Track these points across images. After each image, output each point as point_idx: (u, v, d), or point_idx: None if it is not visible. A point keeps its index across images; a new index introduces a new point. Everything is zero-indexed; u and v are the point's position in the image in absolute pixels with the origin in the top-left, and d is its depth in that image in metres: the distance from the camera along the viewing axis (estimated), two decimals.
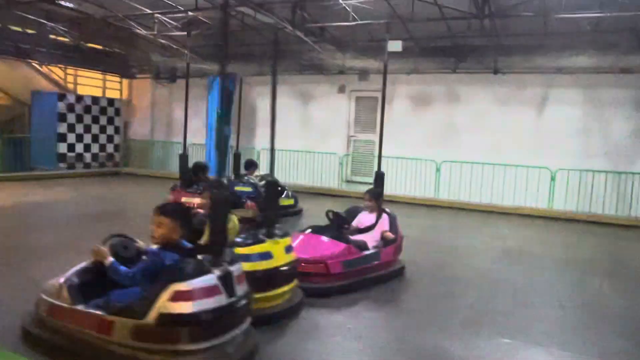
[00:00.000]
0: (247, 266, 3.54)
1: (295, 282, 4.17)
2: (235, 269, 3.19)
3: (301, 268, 4.34)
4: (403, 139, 12.36)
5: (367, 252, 4.93)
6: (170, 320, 2.83)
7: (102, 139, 15.10)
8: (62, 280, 3.27)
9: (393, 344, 3.67)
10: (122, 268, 3.12)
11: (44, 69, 14.72)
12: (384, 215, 5.37)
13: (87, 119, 14.46)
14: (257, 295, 3.59)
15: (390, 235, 5.27)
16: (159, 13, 10.04)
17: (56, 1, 8.96)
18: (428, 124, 12.19)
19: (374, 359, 3.42)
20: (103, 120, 15.04)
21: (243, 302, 3.16)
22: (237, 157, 9.96)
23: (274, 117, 4.57)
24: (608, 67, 10.06)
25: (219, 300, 2.97)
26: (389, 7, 8.92)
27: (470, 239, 7.95)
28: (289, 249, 4.15)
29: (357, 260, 4.77)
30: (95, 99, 14.83)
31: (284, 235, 4.16)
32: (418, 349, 3.61)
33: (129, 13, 10.04)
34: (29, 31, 12.35)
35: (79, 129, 14.26)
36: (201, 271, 2.98)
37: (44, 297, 3.30)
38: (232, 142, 14.33)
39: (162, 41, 11.85)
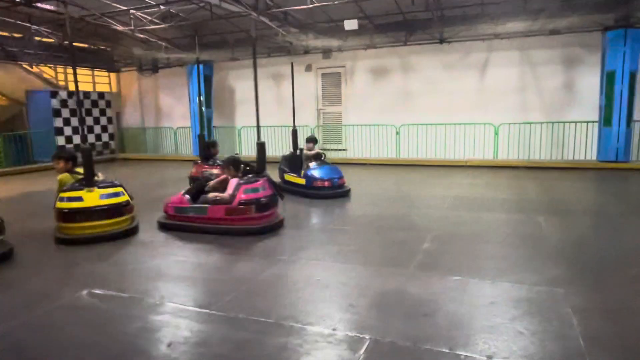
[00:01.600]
0: (59, 204, 5.16)
1: (124, 217, 5.36)
2: None
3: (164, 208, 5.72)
4: (365, 107, 12.26)
5: (194, 205, 5.51)
6: None
7: (97, 129, 14.59)
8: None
9: (357, 290, 3.62)
10: None
11: (35, 69, 14.01)
12: (232, 180, 5.47)
13: (81, 112, 13.89)
14: (72, 224, 5.12)
15: (221, 196, 5.40)
16: (133, 9, 9.50)
17: (33, 4, 8.35)
18: (386, 92, 12.05)
19: (340, 305, 3.36)
20: (96, 112, 14.50)
21: None
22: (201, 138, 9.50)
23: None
24: (538, 30, 9.95)
25: None
26: None
27: (429, 190, 7.96)
28: (107, 196, 5.23)
29: (184, 209, 5.54)
30: (86, 94, 14.23)
31: (108, 186, 5.31)
32: (379, 292, 3.57)
33: (105, 11, 9.48)
34: (15, 35, 11.65)
35: (74, 122, 13.71)
36: None
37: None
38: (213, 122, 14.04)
39: (140, 35, 11.29)
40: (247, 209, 5.28)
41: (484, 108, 11.00)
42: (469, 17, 9.65)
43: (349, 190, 7.57)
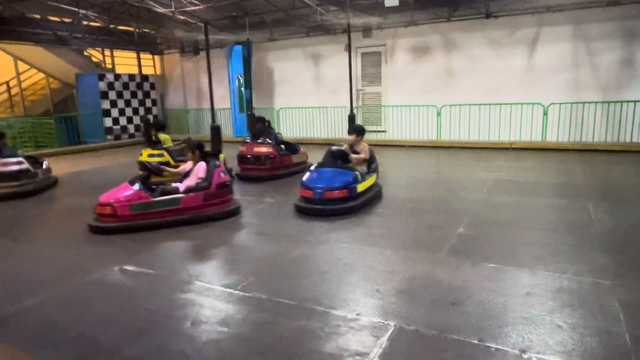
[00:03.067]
0: None
1: None
2: None
3: (98, 210, 4.74)
4: (405, 87, 11.88)
5: (160, 198, 4.85)
6: None
7: (142, 111, 14.98)
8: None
9: (384, 274, 3.48)
10: None
11: (85, 53, 14.53)
12: (200, 164, 5.19)
13: (127, 94, 14.32)
14: None
15: (194, 182, 5.10)
16: None
17: None
18: (428, 71, 11.58)
19: (365, 290, 3.24)
20: (140, 94, 14.86)
21: None
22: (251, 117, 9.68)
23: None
24: (596, 1, 9.16)
25: None
26: None
27: (469, 173, 7.60)
28: None
29: (147, 205, 4.76)
30: (131, 76, 14.61)
31: None
32: (407, 277, 3.42)
33: None
34: (65, 20, 12.08)
35: (121, 104, 14.16)
36: None
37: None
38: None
39: (181, 17, 11.39)
40: (225, 191, 5.18)
41: (532, 87, 10.35)
42: None
43: (348, 209, 5.19)
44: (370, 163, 5.92)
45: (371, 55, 12.47)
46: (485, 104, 10.79)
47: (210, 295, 3.24)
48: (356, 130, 6.05)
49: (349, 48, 11.03)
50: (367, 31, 12.11)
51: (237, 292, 3.27)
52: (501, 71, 10.63)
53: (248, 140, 8.07)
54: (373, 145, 8.53)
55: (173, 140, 8.32)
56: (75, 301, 3.22)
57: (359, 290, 3.24)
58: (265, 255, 4.01)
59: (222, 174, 5.17)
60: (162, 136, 8.00)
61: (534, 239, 4.19)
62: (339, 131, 12.89)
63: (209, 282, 3.45)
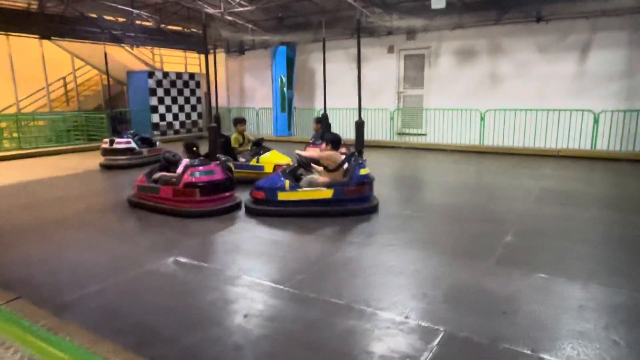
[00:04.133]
0: None
1: None
2: None
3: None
4: (448, 91, 11.71)
5: (149, 184, 5.67)
6: None
7: (187, 108, 15.46)
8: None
9: (431, 279, 3.48)
10: None
11: (135, 51, 15.12)
12: (183, 161, 5.61)
13: (174, 92, 14.81)
14: None
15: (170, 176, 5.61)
16: None
17: None
18: (472, 75, 11.36)
19: (413, 293, 3.25)
20: (187, 92, 15.35)
21: None
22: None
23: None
24: None
25: None
26: None
27: (514, 180, 7.43)
28: None
29: (143, 187, 5.74)
30: (178, 74, 15.09)
31: None
32: (455, 284, 3.40)
33: None
34: (120, 19, 12.62)
35: (167, 101, 14.65)
36: None
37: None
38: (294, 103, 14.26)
39: (229, 18, 11.67)
40: (192, 191, 5.30)
41: (582, 94, 9.98)
42: None
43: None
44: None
45: (414, 57, 12.35)
46: (531, 110, 10.50)
47: (261, 290, 3.34)
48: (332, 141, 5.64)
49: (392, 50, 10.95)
50: (411, 33, 12.02)
51: (286, 288, 3.35)
52: (550, 77, 10.31)
53: (312, 142, 8.02)
54: (412, 148, 8.47)
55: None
56: (133, 290, 3.39)
57: (406, 293, 3.26)
58: (311, 255, 4.08)
59: (194, 175, 5.34)
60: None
61: (585, 252, 4.07)
62: (379, 132, 12.87)
63: (258, 278, 3.56)
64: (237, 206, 5.59)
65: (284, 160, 7.03)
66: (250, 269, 3.76)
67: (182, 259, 3.97)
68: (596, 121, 9.82)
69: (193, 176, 5.33)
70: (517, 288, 3.31)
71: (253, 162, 7.02)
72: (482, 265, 3.76)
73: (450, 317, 2.90)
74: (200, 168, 5.38)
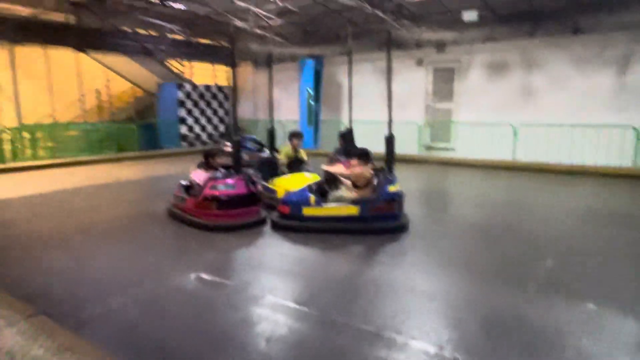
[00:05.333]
0: None
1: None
2: None
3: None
4: (479, 105, 11.41)
5: (181, 195, 5.76)
6: None
7: (215, 120, 15.60)
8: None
9: (466, 307, 3.24)
10: None
11: (166, 64, 15.41)
12: (203, 174, 5.62)
13: (202, 104, 14.98)
14: None
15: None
16: (253, 6, 9.88)
17: (165, 3, 9.08)
18: (504, 89, 11.03)
19: (447, 321, 3.03)
20: (214, 104, 15.50)
21: None
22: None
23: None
24: None
25: None
26: None
27: (550, 199, 7.08)
28: None
29: (176, 197, 5.87)
30: (207, 87, 15.27)
31: None
32: (492, 313, 3.15)
33: (228, 8, 10.00)
34: (152, 33, 12.90)
35: (196, 112, 14.82)
36: None
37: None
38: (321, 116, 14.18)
39: (258, 31, 11.75)
40: (209, 204, 5.24)
41: (622, 109, 9.52)
42: (614, 3, 8.36)
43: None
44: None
45: (444, 71, 12.12)
46: (567, 125, 10.08)
47: (285, 312, 3.18)
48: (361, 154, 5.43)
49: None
50: (441, 46, 11.82)
51: (311, 311, 3.18)
52: (587, 91, 9.90)
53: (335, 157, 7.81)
54: (442, 163, 8.24)
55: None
56: (155, 306, 3.28)
57: (439, 320, 3.04)
58: (337, 274, 3.91)
59: (214, 188, 5.27)
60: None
61: (634, 277, 3.75)
62: (406, 146, 12.64)
63: (283, 298, 3.40)
64: (261, 222, 5.42)
65: (299, 184, 6.04)
66: (273, 287, 3.61)
67: (205, 276, 3.85)
68: (638, 138, 9.34)
69: (215, 189, 5.26)
70: (562, 319, 3.03)
71: (270, 184, 6.46)
72: (521, 291, 3.49)
73: (489, 350, 2.67)
74: (221, 181, 5.30)
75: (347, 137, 8.02)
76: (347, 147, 7.84)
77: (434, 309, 3.20)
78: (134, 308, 3.24)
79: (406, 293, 3.47)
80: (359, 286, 3.64)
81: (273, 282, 3.75)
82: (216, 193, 5.24)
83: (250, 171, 5.96)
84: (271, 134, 7.51)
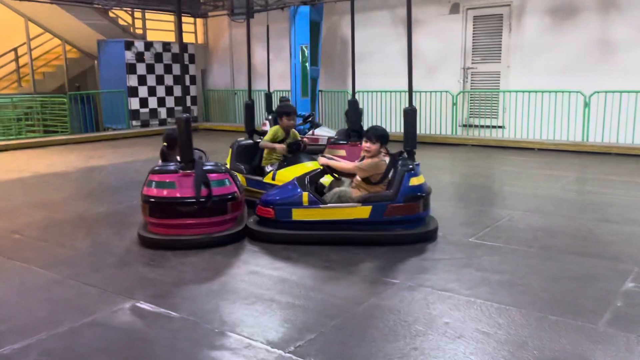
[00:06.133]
0: None
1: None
2: None
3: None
4: (537, 66, 11.35)
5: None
6: None
7: (177, 91, 15.51)
8: None
9: (509, 349, 3.09)
10: None
11: (111, 14, 15.30)
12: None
13: (159, 68, 14.90)
14: None
15: None
16: None
17: None
18: (572, 44, 10.96)
19: None
20: (176, 69, 15.39)
21: None
22: None
23: None
24: None
25: None
26: None
27: (634, 194, 6.99)
28: None
29: None
30: (166, 45, 15.17)
31: None
32: (549, 356, 3.00)
33: None
34: None
35: (151, 80, 14.75)
36: None
37: None
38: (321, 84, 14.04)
39: None
40: (144, 208, 5.11)
41: None
42: None
43: None
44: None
45: (488, 19, 12.04)
46: None
47: (251, 356, 3.06)
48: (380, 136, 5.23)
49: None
50: None
51: (287, 355, 3.06)
52: None
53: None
54: (485, 146, 8.17)
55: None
56: (68, 351, 3.17)
57: None
58: (331, 301, 3.81)
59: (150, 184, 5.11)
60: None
61: None
62: (436, 124, 12.51)
63: (249, 336, 3.29)
64: (218, 241, 5.06)
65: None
66: (238, 321, 3.50)
67: (144, 305, 3.75)
68: None
69: (150, 187, 5.05)
70: None
71: (267, 178, 6.28)
72: (590, 326, 3.35)
73: None
74: (157, 177, 5.06)
75: (350, 111, 7.92)
76: (351, 125, 7.74)
77: (461, 354, 3.07)
78: (38, 354, 3.13)
79: (423, 328, 3.35)
80: (357, 318, 3.53)
81: (239, 314, 3.64)
82: (149, 193, 5.04)
83: (208, 163, 5.53)
84: (250, 110, 7.33)
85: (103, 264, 4.72)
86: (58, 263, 4.71)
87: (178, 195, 4.97)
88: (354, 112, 7.99)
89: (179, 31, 5.16)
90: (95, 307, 3.75)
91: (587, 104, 10.73)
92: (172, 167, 5.11)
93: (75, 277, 4.35)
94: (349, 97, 13.70)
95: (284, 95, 11.23)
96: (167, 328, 3.44)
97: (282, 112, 6.88)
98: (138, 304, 3.77)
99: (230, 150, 6.89)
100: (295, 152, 6.47)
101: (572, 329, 3.33)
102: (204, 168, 5.08)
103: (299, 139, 6.79)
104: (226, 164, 6.32)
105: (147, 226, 5.18)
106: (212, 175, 5.08)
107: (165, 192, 4.98)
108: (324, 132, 10.82)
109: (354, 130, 7.85)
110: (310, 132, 10.81)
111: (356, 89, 13.04)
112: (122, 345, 3.24)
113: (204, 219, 5.05)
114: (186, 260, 4.71)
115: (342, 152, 7.32)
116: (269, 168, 6.45)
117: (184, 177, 5.00)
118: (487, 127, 12.04)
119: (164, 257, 4.79)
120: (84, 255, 4.94)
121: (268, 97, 11.98)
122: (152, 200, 5.00)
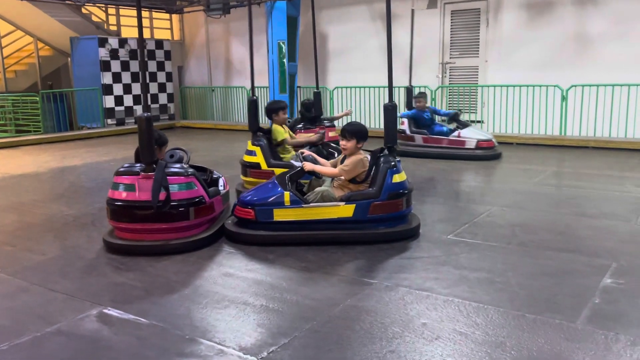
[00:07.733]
0: None
1: None
2: None
3: None
4: (515, 60, 11.39)
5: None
6: None
7: (153, 88, 15.29)
8: None
9: (486, 349, 3.04)
10: None
11: (84, 11, 15.04)
12: None
13: (134, 65, 14.64)
14: None
15: None
16: None
17: None
18: (549, 38, 11.03)
19: None
20: (152, 66, 15.18)
21: None
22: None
23: None
24: None
25: None
26: None
27: (612, 189, 7.05)
28: None
29: None
30: (141, 42, 14.93)
31: None
32: (527, 356, 2.95)
33: None
34: None
35: (126, 78, 14.52)
36: None
37: None
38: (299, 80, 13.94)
39: None
40: (107, 210, 4.95)
41: None
42: None
43: None
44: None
45: (465, 13, 12.05)
46: (635, 85, 10.02)
47: None
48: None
49: None
50: None
51: None
52: None
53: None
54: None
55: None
56: None
57: None
58: (306, 304, 3.72)
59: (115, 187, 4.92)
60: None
61: None
62: None
63: (221, 342, 3.19)
64: (175, 248, 4.84)
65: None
66: (209, 327, 3.40)
67: (112, 311, 3.63)
68: None
69: (115, 188, 4.84)
70: None
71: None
72: (567, 324, 3.31)
73: None
74: (118, 179, 4.83)
75: (315, 103, 8.96)
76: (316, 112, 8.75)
77: (438, 354, 3.00)
78: None
79: (401, 329, 3.28)
80: (335, 320, 3.45)
81: (211, 319, 3.54)
82: (112, 195, 4.85)
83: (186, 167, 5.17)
84: (254, 107, 7.02)
85: (71, 269, 4.58)
86: (25, 269, 4.57)
87: (136, 198, 4.74)
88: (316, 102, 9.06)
89: (140, 25, 4.97)
90: (60, 314, 3.62)
91: (564, 98, 10.78)
92: (136, 169, 4.85)
93: (42, 284, 4.21)
94: (329, 94, 13.69)
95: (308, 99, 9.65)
96: (135, 335, 3.33)
97: (277, 107, 6.96)
98: (105, 310, 3.65)
99: (259, 148, 6.61)
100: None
101: (550, 328, 3.28)
102: (167, 170, 4.81)
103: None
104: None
105: (114, 230, 5.03)
106: (175, 179, 4.81)
107: (124, 195, 4.78)
108: (472, 134, 9.35)
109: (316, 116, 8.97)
110: (457, 133, 9.39)
111: (334, 86, 12.99)
112: (87, 355, 3.12)
113: (163, 224, 4.82)
114: (158, 264, 4.59)
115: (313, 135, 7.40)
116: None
117: (144, 179, 4.74)
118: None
119: (134, 261, 4.66)
120: (52, 260, 4.79)
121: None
122: (112, 203, 4.82)
